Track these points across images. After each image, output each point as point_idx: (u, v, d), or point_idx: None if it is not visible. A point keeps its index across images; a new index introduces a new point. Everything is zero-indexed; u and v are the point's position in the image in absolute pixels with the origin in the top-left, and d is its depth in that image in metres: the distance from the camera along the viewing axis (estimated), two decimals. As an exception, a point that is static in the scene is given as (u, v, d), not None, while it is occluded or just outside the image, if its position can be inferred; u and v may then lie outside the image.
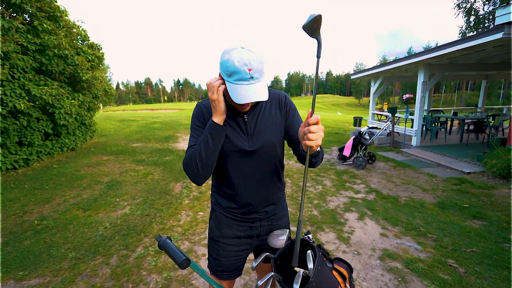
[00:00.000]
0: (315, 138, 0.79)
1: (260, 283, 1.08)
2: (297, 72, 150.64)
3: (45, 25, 5.25)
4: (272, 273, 1.11)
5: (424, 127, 8.16)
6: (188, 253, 2.64)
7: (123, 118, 16.49)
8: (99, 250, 2.61)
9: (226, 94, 1.04)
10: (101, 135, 9.28)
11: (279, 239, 1.07)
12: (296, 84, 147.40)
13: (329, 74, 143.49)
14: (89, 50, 7.27)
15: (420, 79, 6.87)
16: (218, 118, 0.99)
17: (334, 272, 1.56)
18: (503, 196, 3.96)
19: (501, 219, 3.29)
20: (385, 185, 4.70)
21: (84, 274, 2.28)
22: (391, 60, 7.84)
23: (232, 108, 1.11)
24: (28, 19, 5.44)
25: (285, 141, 1.26)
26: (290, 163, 6.19)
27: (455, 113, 8.76)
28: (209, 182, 4.27)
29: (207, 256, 1.34)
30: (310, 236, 1.30)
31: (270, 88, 1.22)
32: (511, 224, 3.13)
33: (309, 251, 1.10)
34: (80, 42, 7.39)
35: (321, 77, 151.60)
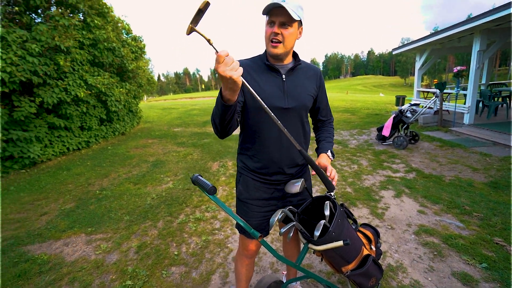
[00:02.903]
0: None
1: (282, 230, 1.19)
2: (335, 53, 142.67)
3: (96, 21, 5.83)
4: (294, 222, 1.22)
5: (481, 103, 7.27)
6: (224, 221, 2.88)
7: (165, 106, 17.62)
8: (148, 216, 2.99)
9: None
10: (146, 122, 10.13)
11: (295, 186, 1.16)
12: (334, 66, 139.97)
13: (370, 53, 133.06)
14: (133, 42, 7.88)
15: (476, 48, 6.07)
16: (229, 94, 0.87)
17: (359, 234, 1.61)
18: None
19: None
20: (428, 165, 4.40)
21: (137, 233, 2.65)
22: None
23: (271, 66, 1.18)
24: (82, 17, 6.08)
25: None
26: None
27: (521, 86, 7.58)
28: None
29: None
30: (332, 193, 1.36)
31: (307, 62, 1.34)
32: None
33: (327, 202, 1.17)
34: (124, 35, 8.03)
35: (361, 56, 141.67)
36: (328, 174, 1.23)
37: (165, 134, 7.67)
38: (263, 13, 1.08)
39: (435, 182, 3.66)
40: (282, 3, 1.00)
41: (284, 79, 1.19)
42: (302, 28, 1.17)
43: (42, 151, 4.68)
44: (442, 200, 3.12)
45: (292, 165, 1.31)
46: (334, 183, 1.24)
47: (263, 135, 1.22)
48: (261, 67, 1.20)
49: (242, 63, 1.18)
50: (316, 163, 1.23)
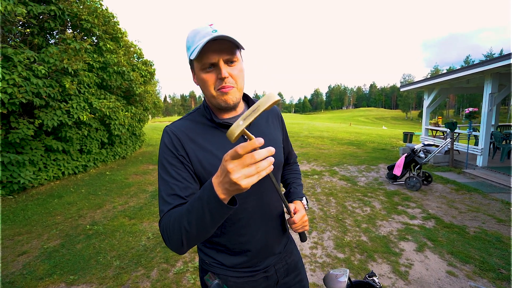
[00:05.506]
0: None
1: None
2: (338, 85, 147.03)
3: (108, 45, 5.86)
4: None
5: (492, 145, 7.08)
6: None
7: (169, 129, 17.57)
8: (141, 261, 2.64)
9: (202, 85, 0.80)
10: (149, 145, 9.93)
11: (339, 281, 0.89)
12: (337, 97, 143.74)
13: (372, 86, 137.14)
14: (143, 67, 7.94)
15: (487, 91, 6.01)
16: (225, 197, 0.57)
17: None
18: None
19: None
20: (447, 211, 4.08)
21: (126, 285, 2.29)
22: (445, 70, 6.99)
23: (222, 124, 0.85)
24: (96, 40, 6.14)
25: None
26: (334, 180, 5.82)
27: (532, 130, 7.46)
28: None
29: None
30: (375, 279, 1.08)
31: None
32: None
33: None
34: (136, 59, 8.12)
35: (364, 89, 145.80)
36: (295, 216, 0.91)
37: (166, 160, 7.42)
38: (195, 57, 0.72)
39: (459, 235, 3.32)
40: (218, 34, 0.70)
41: (245, 136, 0.86)
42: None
43: (35, 176, 4.40)
44: (472, 259, 2.77)
45: (279, 238, 0.98)
46: (297, 228, 0.92)
47: (240, 217, 0.86)
48: (208, 126, 0.86)
49: (178, 126, 0.85)
50: (292, 208, 0.94)
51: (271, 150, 0.52)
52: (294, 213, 0.91)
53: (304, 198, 1.06)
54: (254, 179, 0.51)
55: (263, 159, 0.51)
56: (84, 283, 2.30)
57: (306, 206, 1.05)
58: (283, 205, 0.81)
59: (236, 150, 0.50)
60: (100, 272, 2.46)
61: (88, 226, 3.37)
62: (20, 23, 4.51)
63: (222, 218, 0.62)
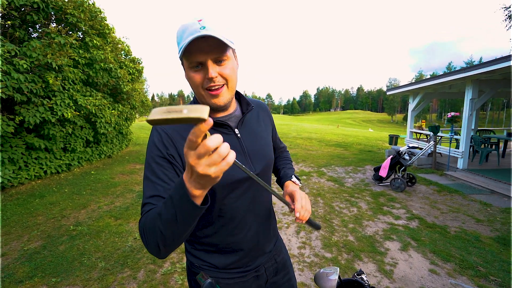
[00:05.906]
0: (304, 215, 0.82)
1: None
2: (326, 87, 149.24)
3: (95, 41, 5.71)
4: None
5: (472, 148, 7.40)
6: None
7: (157, 128, 17.27)
8: (128, 262, 2.58)
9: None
10: (136, 144, 9.73)
11: (330, 279, 0.91)
12: (326, 99, 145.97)
13: (360, 89, 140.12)
14: (131, 64, 7.77)
15: (468, 96, 6.27)
16: (200, 192, 0.54)
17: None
18: None
19: None
20: (430, 212, 4.23)
21: (111, 287, 2.24)
22: (428, 76, 7.27)
23: (217, 122, 0.81)
24: (81, 36, 5.96)
25: None
26: (322, 181, 5.90)
27: (509, 134, 7.82)
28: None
29: None
30: (364, 276, 1.11)
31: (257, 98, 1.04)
32: None
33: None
34: (123, 56, 7.94)
35: (351, 92, 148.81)
36: (296, 204, 0.84)
37: (154, 160, 7.29)
38: (182, 55, 0.71)
39: (441, 234, 3.45)
40: (205, 31, 0.66)
41: (238, 135, 0.86)
42: (235, 52, 0.82)
43: (14, 175, 4.22)
44: (452, 258, 2.88)
45: (270, 236, 0.98)
46: (301, 215, 0.82)
47: (232, 216, 0.85)
48: None
49: (168, 132, 0.79)
50: (286, 196, 0.91)
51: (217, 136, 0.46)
52: (293, 203, 0.85)
53: (293, 176, 1.01)
54: (224, 166, 0.47)
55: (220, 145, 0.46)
56: (67, 286, 2.23)
57: (299, 184, 0.99)
58: (282, 201, 0.79)
59: (189, 137, 0.45)
60: (84, 274, 2.39)
61: (71, 226, 3.27)
62: (0, 14, 4.32)
63: (195, 219, 0.59)
